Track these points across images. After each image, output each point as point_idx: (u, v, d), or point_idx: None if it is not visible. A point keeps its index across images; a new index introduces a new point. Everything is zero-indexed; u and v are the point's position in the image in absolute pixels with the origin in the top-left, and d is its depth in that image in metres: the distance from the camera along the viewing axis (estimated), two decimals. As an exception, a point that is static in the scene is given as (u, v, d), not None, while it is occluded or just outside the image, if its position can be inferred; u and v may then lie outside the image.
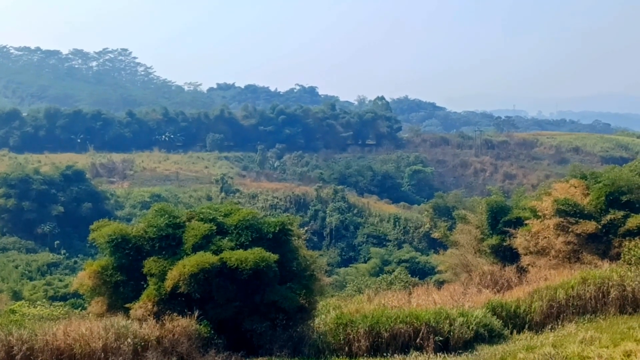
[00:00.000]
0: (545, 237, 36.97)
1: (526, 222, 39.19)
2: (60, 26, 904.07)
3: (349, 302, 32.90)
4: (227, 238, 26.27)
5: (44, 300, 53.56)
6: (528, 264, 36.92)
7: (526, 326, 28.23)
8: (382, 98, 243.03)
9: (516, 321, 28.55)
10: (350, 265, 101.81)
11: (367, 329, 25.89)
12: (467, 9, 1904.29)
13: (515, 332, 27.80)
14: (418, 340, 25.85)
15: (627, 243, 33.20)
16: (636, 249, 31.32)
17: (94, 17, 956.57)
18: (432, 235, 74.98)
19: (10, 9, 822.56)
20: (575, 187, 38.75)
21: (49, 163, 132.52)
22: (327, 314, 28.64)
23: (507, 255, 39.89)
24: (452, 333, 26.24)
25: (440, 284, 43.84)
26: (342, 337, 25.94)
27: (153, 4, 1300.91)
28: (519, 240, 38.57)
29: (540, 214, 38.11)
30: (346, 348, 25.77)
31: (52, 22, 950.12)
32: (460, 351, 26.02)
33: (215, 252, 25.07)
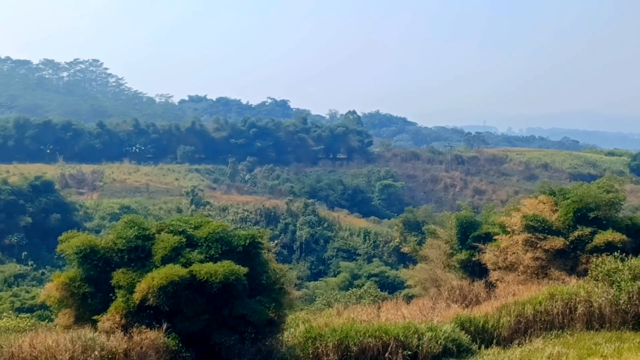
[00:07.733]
0: (514, 253, 37.16)
1: (495, 237, 39.40)
2: (30, 35, 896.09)
3: (318, 316, 32.85)
4: (196, 251, 26.08)
5: (10, 311, 53.09)
6: (497, 279, 37.06)
7: (494, 341, 28.27)
8: (354, 112, 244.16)
9: (484, 336, 28.60)
10: (320, 279, 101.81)
11: (336, 343, 25.83)
12: (440, 26, 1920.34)
13: (483, 347, 27.81)
14: (387, 354, 25.84)
15: (594, 259, 33.32)
16: (603, 266, 31.55)
17: (65, 26, 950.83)
18: (402, 250, 75.01)
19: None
20: (544, 203, 39.01)
21: (17, 173, 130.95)
22: (296, 327, 28.58)
23: (476, 271, 40.03)
24: (420, 348, 26.23)
25: (409, 298, 43.88)
26: (311, 351, 25.88)
27: (124, 12, 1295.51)
28: (488, 255, 38.71)
29: (509, 229, 38.30)
30: (315, 362, 25.74)
31: (22, 31, 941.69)
32: (428, 365, 26.12)
33: (185, 265, 24.85)
